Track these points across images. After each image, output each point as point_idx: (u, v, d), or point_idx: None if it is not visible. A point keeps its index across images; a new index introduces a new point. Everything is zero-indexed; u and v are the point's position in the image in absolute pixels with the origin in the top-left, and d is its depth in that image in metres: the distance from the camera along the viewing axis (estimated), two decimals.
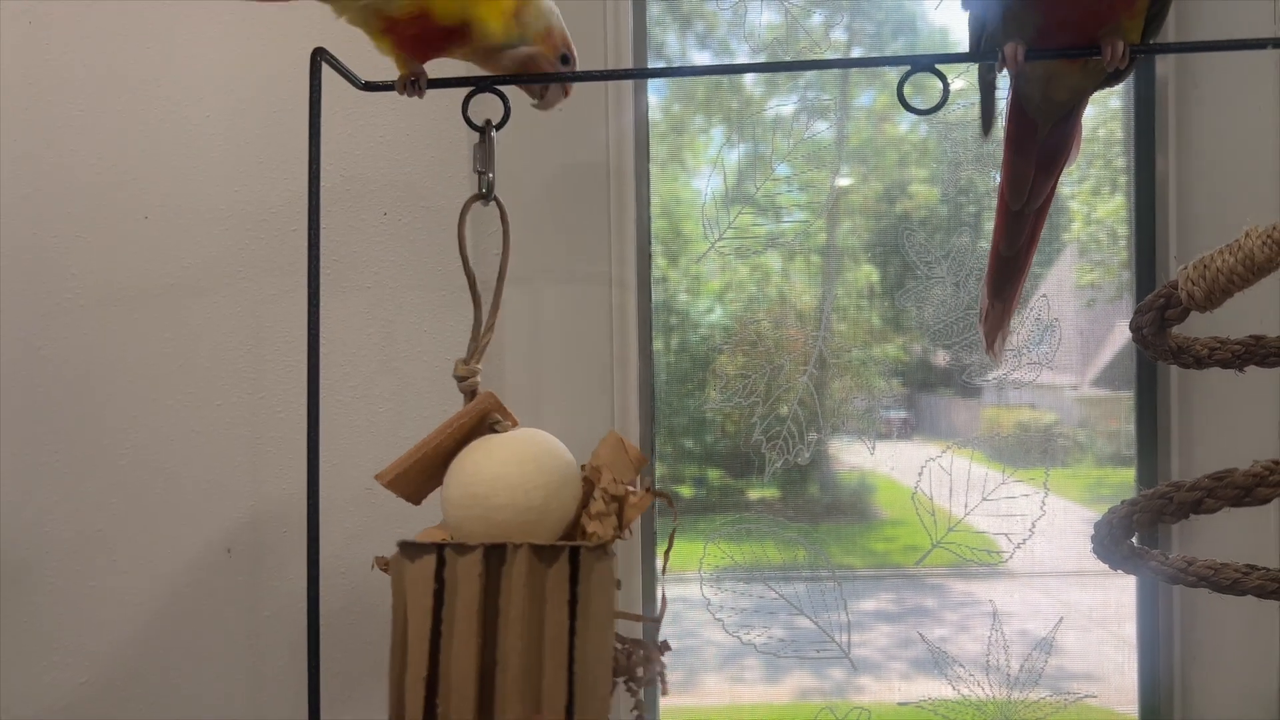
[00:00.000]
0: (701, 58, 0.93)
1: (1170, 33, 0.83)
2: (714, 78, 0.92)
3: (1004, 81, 0.61)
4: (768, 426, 0.89)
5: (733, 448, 0.90)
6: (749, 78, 0.92)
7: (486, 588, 0.50)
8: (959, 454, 0.88)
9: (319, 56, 0.58)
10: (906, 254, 0.89)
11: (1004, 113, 0.62)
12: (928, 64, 0.56)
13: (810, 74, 0.91)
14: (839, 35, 0.91)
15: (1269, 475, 0.47)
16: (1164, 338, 0.51)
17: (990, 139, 0.64)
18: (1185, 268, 0.49)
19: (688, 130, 0.93)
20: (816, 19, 0.91)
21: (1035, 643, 0.87)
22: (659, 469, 0.90)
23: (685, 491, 0.91)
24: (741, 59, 0.92)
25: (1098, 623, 0.87)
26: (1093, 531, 0.54)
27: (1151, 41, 0.57)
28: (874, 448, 0.89)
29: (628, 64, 0.88)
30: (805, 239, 0.90)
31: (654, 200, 0.91)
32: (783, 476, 0.89)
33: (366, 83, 0.61)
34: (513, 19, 0.56)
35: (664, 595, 0.60)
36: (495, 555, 0.50)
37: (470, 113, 0.60)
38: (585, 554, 0.50)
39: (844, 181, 0.91)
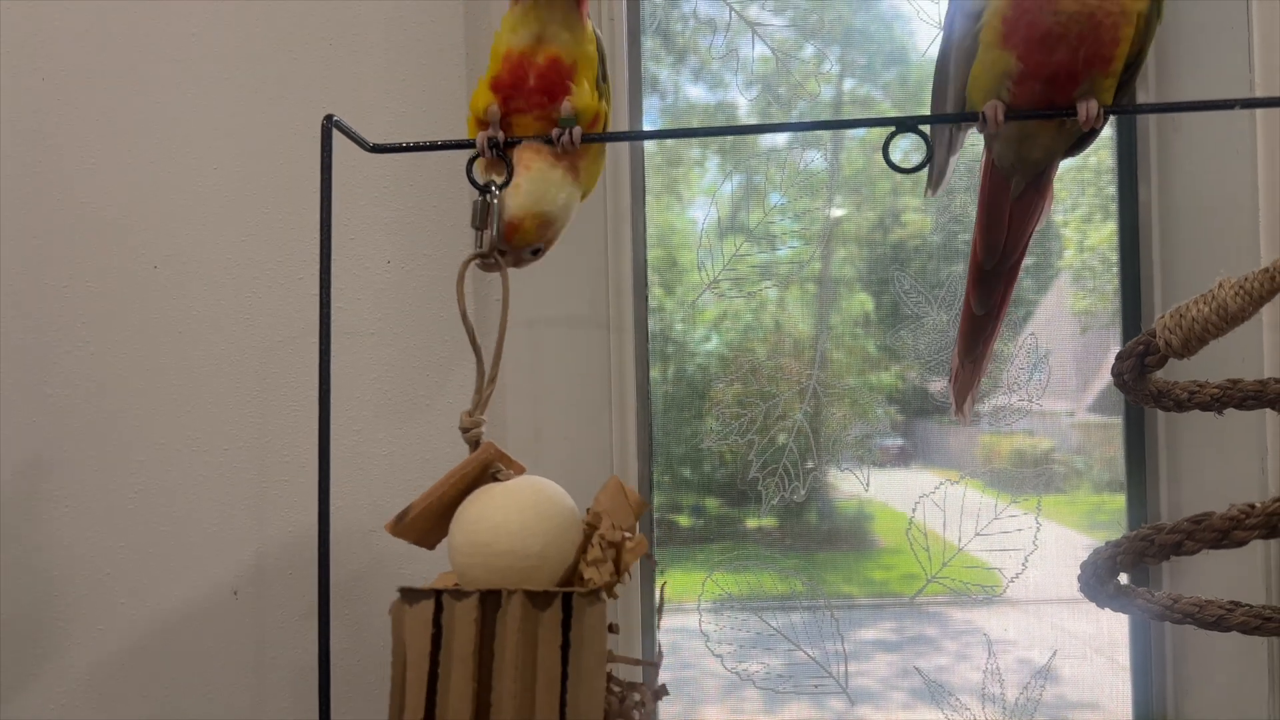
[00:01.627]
0: (695, 91, 0.95)
1: (1150, 81, 0.84)
2: (709, 109, 0.94)
3: (965, 139, 0.63)
4: (764, 457, 0.89)
5: (730, 477, 0.91)
6: (743, 108, 0.94)
7: (482, 632, 0.52)
8: (955, 484, 0.88)
9: (330, 123, 0.59)
10: (901, 282, 0.90)
11: (979, 174, 0.63)
12: (912, 125, 0.57)
13: (804, 105, 0.93)
14: (831, 67, 0.92)
15: (1245, 519, 0.48)
16: (1144, 383, 0.52)
17: (939, 194, 0.65)
18: (1163, 316, 0.50)
19: (683, 162, 0.94)
20: (808, 51, 0.92)
21: (1033, 671, 0.87)
22: (657, 498, 0.91)
23: (683, 521, 0.92)
24: (734, 92, 0.93)
25: (1097, 650, 0.87)
26: (1079, 572, 0.55)
27: (1124, 101, 0.58)
28: (871, 475, 0.89)
29: (622, 96, 0.89)
30: (800, 268, 0.91)
31: (650, 231, 0.92)
32: (780, 506, 0.90)
33: (375, 145, 0.62)
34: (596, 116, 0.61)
35: (661, 646, 0.61)
36: (491, 600, 0.52)
37: (474, 172, 0.61)
38: (578, 599, 0.51)
39: (838, 212, 0.92)
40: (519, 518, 0.52)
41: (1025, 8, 0.54)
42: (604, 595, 0.51)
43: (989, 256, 0.61)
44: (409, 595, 0.52)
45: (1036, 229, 0.62)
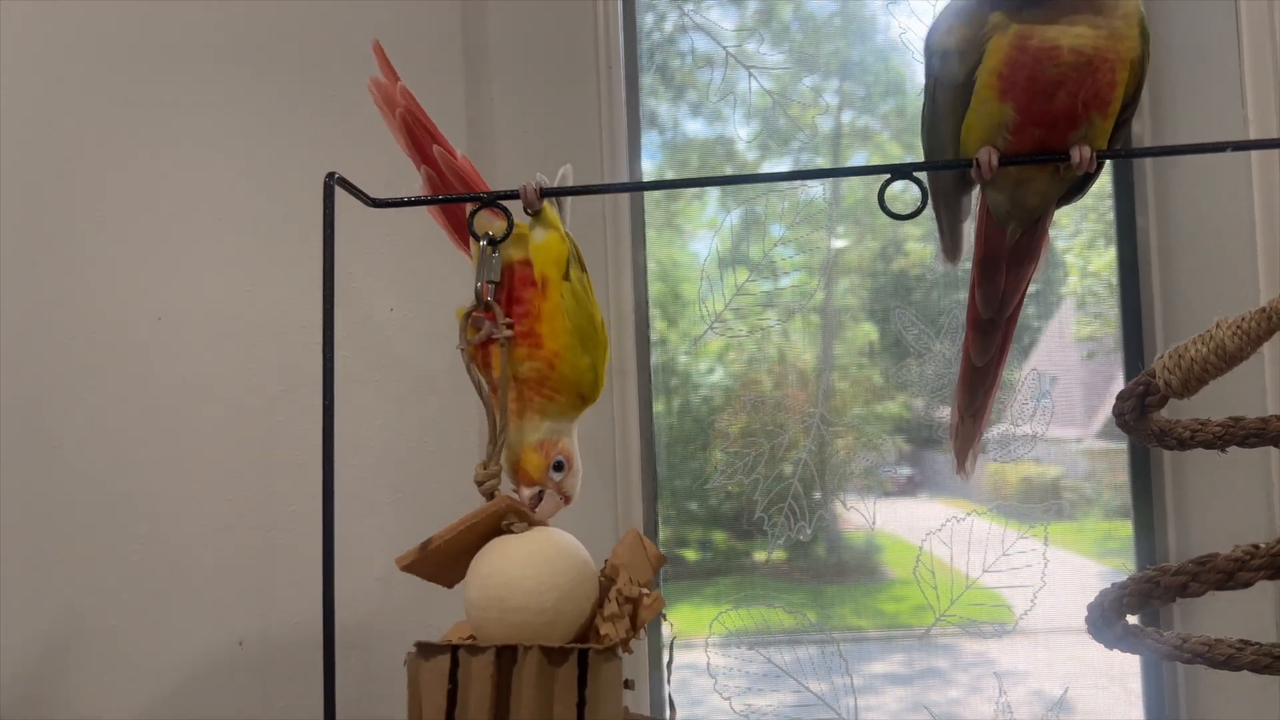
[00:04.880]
0: (693, 125, 0.95)
1: (1145, 118, 0.84)
2: (707, 142, 0.94)
3: (971, 202, 0.63)
4: (772, 491, 0.89)
5: (737, 510, 0.91)
6: (742, 141, 0.94)
7: (498, 688, 0.51)
8: (961, 520, 0.88)
9: (332, 180, 0.59)
10: (904, 311, 0.90)
11: (972, 226, 0.63)
12: (907, 172, 0.57)
13: (804, 136, 0.93)
14: (829, 99, 0.93)
15: (1250, 560, 0.48)
16: (1146, 423, 0.52)
17: (958, 266, 0.65)
18: (1162, 356, 0.50)
19: (683, 195, 0.95)
20: (806, 84, 0.93)
21: (1047, 703, 0.87)
22: (663, 533, 0.91)
23: (689, 555, 0.92)
24: (734, 125, 0.94)
25: (1113, 679, 0.87)
26: (1086, 614, 0.55)
27: (1118, 146, 0.58)
28: (879, 506, 0.89)
29: (621, 133, 0.90)
30: (804, 299, 0.91)
31: (651, 266, 0.92)
32: (788, 540, 0.90)
33: (376, 200, 0.63)
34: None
35: (673, 701, 0.61)
36: (507, 656, 0.51)
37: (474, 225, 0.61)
38: (594, 656, 0.51)
39: (840, 242, 0.92)
40: (534, 572, 0.52)
41: (1023, 63, 0.54)
42: (620, 652, 0.51)
43: (987, 306, 0.61)
44: (425, 650, 0.52)
45: (1034, 277, 0.62)
